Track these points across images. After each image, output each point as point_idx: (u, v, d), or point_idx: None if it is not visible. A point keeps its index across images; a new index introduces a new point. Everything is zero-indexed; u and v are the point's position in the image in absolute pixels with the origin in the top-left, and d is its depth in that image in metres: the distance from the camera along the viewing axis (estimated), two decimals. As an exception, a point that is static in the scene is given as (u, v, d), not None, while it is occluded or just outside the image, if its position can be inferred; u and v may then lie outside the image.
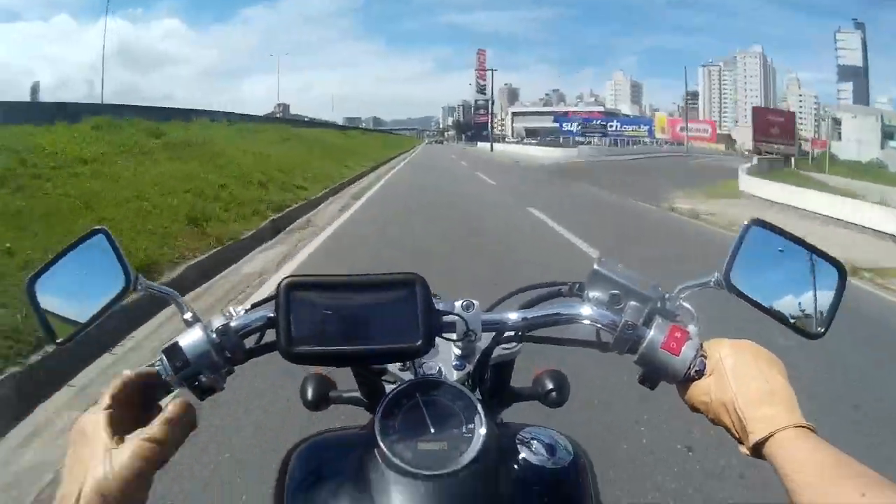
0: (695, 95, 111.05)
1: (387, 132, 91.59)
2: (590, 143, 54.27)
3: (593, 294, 0.63)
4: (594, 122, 61.56)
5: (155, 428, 0.48)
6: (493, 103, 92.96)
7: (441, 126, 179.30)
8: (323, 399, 0.77)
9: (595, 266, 0.63)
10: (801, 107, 75.74)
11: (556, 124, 80.00)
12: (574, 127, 60.59)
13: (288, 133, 19.90)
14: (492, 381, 0.73)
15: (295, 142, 18.27)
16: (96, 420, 0.49)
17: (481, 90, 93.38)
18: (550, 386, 0.74)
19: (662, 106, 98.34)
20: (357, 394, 0.75)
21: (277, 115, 45.01)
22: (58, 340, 0.60)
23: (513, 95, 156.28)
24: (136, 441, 0.47)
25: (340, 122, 72.25)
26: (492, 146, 52.27)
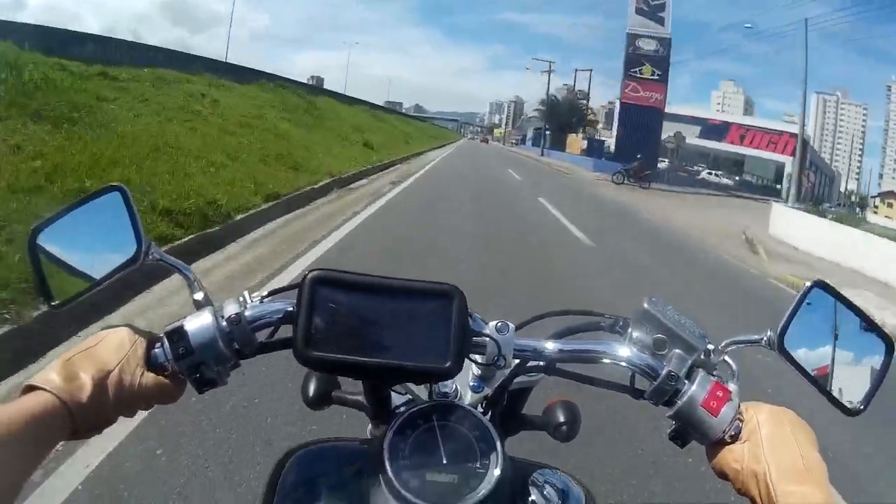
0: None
1: (426, 120, 73.97)
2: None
3: (636, 334, 0.62)
4: None
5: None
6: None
7: (487, 122, 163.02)
8: (325, 398, 0.73)
9: (645, 304, 0.62)
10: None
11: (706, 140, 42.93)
12: None
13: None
14: (505, 407, 0.70)
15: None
16: (138, 340, 0.55)
17: (652, 9, 29.92)
18: (562, 419, 0.70)
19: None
20: (361, 398, 0.71)
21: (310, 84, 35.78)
22: (53, 303, 0.58)
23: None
24: (162, 378, 0.55)
25: (381, 104, 56.97)
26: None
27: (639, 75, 30.69)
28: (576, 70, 52.94)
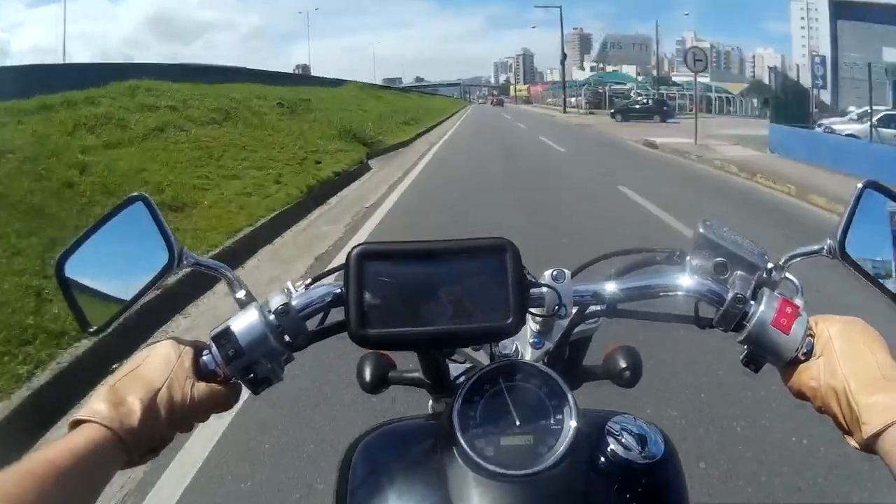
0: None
1: (426, 92, 64.61)
2: None
3: (696, 262, 0.59)
4: None
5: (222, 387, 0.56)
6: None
7: (494, 83, 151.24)
8: (382, 380, 0.72)
9: (700, 229, 0.60)
10: None
11: None
12: None
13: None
14: (566, 360, 0.70)
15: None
16: (184, 350, 0.54)
17: None
18: (623, 364, 0.68)
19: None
20: (418, 374, 0.70)
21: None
22: (91, 329, 0.56)
23: (585, 43, 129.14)
24: (215, 386, 0.54)
25: (380, 83, 57.93)
26: None
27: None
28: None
